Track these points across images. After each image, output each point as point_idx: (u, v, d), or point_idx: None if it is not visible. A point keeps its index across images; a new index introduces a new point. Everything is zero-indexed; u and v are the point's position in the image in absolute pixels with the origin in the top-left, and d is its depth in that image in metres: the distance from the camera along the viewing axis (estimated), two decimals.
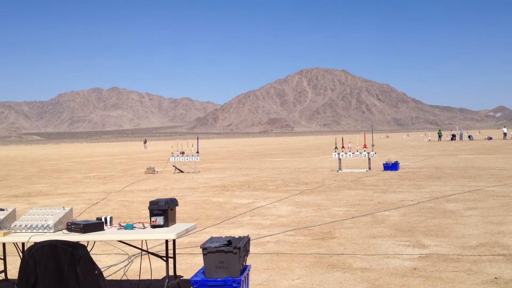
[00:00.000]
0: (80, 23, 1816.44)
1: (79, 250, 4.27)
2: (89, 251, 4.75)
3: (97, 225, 5.08)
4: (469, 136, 72.82)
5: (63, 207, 5.35)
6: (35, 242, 4.45)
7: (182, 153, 25.36)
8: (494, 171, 19.85)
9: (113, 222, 6.20)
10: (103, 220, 5.30)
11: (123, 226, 5.27)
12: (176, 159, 25.00)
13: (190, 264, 6.86)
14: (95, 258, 7.05)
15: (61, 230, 5.11)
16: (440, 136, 73.52)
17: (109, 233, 5.08)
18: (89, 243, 5.28)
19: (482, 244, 7.50)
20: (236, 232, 8.86)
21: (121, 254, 7.60)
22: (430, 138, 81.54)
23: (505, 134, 71.22)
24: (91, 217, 10.35)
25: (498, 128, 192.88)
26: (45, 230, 5.01)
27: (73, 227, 5.03)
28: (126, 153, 59.67)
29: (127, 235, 5.01)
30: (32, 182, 21.80)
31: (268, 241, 8.21)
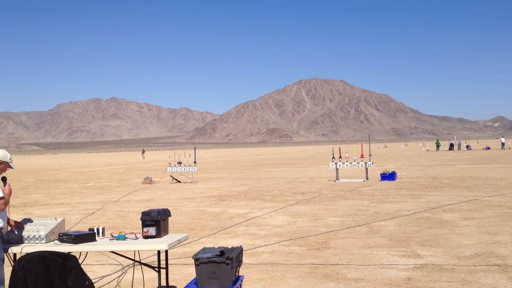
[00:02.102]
0: (78, 33, 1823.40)
1: (69, 261, 4.26)
2: (81, 261, 4.73)
3: (88, 236, 5.07)
4: (467, 146, 72.93)
5: (55, 218, 5.35)
6: (26, 253, 4.44)
7: (180, 163, 25.37)
8: (492, 181, 19.86)
9: (107, 232, 6.19)
10: (95, 230, 5.28)
11: (115, 236, 5.25)
12: (173, 169, 25.04)
13: (184, 275, 6.83)
14: (89, 268, 7.05)
15: (53, 241, 5.10)
16: (438, 146, 73.65)
17: (101, 244, 5.06)
18: (81, 253, 5.27)
19: (477, 254, 7.48)
20: (231, 243, 8.84)
21: (115, 264, 7.57)
22: (428, 148, 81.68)
23: (503, 144, 71.34)
24: (86, 227, 10.31)
25: (497, 138, 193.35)
26: (37, 241, 5.00)
27: (64, 237, 5.02)
28: (124, 163, 59.61)
29: (118, 246, 4.99)
30: (29, 192, 21.75)
31: (263, 251, 8.18)
